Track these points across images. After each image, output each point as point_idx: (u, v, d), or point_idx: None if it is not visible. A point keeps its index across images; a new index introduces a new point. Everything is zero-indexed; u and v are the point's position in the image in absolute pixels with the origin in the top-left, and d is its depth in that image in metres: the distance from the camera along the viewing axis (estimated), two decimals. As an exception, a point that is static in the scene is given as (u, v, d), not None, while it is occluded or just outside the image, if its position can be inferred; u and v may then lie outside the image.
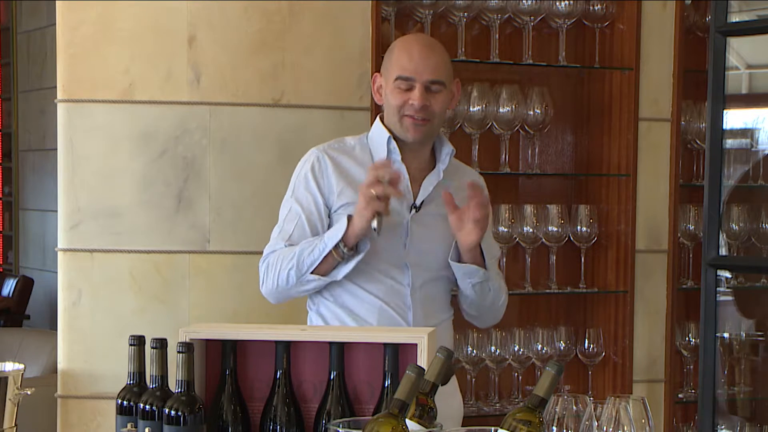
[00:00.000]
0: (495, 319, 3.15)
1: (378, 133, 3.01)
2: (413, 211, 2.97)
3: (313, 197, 2.96)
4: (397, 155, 2.97)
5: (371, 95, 3.73)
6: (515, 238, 4.04)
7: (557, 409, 2.09)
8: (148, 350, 2.24)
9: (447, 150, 3.04)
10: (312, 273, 2.86)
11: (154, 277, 3.67)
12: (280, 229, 2.98)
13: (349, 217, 2.82)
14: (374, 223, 2.75)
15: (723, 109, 3.76)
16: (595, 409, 2.04)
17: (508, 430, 1.87)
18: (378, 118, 3.04)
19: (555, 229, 4.08)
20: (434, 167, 3.03)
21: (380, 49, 3.75)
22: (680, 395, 4.32)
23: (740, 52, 4.34)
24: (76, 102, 3.67)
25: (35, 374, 5.44)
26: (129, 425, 2.25)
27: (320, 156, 3.00)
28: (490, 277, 2.99)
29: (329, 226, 2.92)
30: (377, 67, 3.74)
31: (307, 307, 3.05)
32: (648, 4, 4.17)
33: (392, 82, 2.93)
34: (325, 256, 2.83)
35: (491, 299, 3.03)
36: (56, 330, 3.77)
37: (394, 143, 2.97)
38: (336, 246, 2.81)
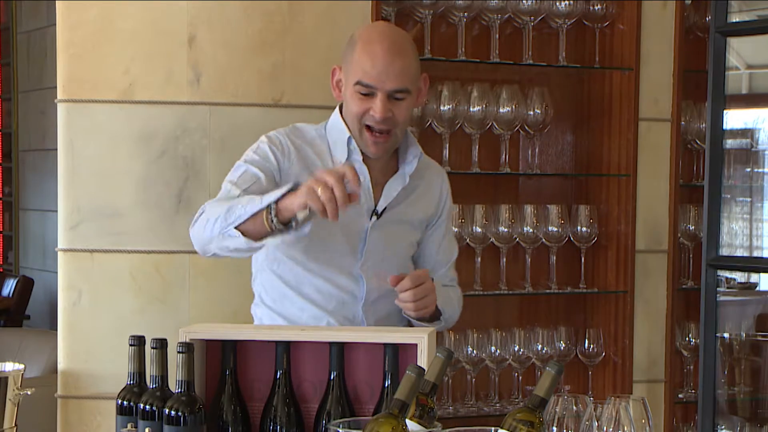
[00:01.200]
0: (446, 328, 2.99)
1: (337, 128, 2.80)
2: (374, 218, 2.78)
3: (271, 168, 2.72)
4: (358, 155, 2.77)
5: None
6: (515, 238, 4.04)
7: (557, 410, 2.09)
8: (148, 350, 2.24)
9: (414, 152, 2.83)
10: (237, 228, 2.50)
11: (154, 278, 3.67)
12: (231, 182, 2.70)
13: (296, 187, 2.47)
14: (300, 214, 2.41)
15: (723, 109, 3.77)
16: (595, 410, 2.04)
17: (508, 430, 1.87)
18: (337, 109, 2.83)
19: (555, 229, 4.08)
20: (397, 169, 2.83)
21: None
22: (680, 395, 4.32)
23: (740, 52, 4.34)
24: (76, 102, 3.67)
25: (35, 374, 5.44)
26: (129, 425, 2.25)
27: (282, 139, 2.79)
28: (444, 314, 2.83)
29: None
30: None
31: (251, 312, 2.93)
32: (648, 4, 4.17)
33: (352, 84, 2.71)
34: (255, 215, 2.48)
35: (443, 325, 2.88)
36: (56, 330, 3.77)
37: (354, 144, 2.77)
38: (268, 208, 2.46)
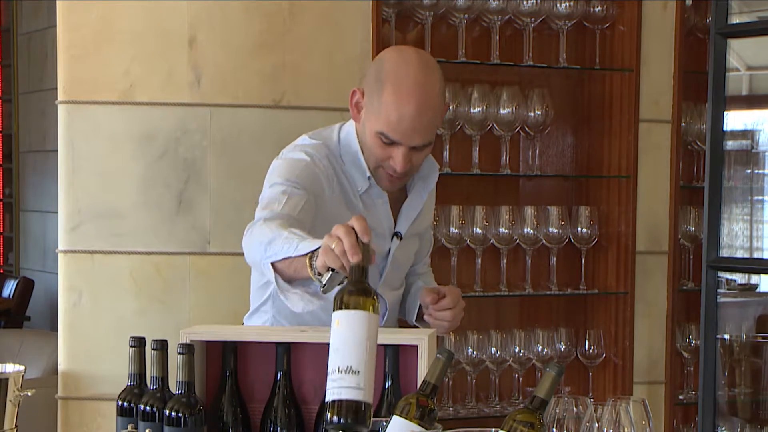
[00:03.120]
0: None
1: (356, 163, 2.67)
2: (395, 240, 2.74)
3: (315, 194, 2.58)
4: (377, 186, 2.69)
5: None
6: (516, 240, 4.04)
7: (558, 411, 2.08)
8: (149, 352, 2.24)
9: (431, 166, 2.76)
10: (273, 264, 2.35)
11: (155, 279, 3.67)
12: (287, 195, 2.54)
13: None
14: (324, 278, 2.20)
15: (723, 111, 3.77)
16: (595, 411, 2.04)
17: (508, 431, 1.87)
18: (353, 132, 2.69)
19: (555, 230, 4.08)
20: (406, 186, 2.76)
21: (380, 50, 3.75)
22: (681, 397, 4.32)
23: (740, 53, 4.34)
24: (77, 103, 3.67)
25: (36, 375, 5.44)
26: (129, 426, 2.25)
27: (325, 163, 2.65)
28: None
29: None
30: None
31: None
32: (648, 6, 4.17)
33: (374, 131, 2.57)
34: (291, 261, 2.32)
35: None
36: (57, 331, 3.77)
37: (374, 181, 2.67)
38: (311, 262, 2.24)
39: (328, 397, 1.87)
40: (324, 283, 2.20)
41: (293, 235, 2.32)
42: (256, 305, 2.84)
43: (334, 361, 1.90)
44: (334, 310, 1.91)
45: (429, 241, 3.00)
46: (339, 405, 1.86)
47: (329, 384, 1.89)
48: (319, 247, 2.19)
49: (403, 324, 2.94)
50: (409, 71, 2.57)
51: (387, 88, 2.55)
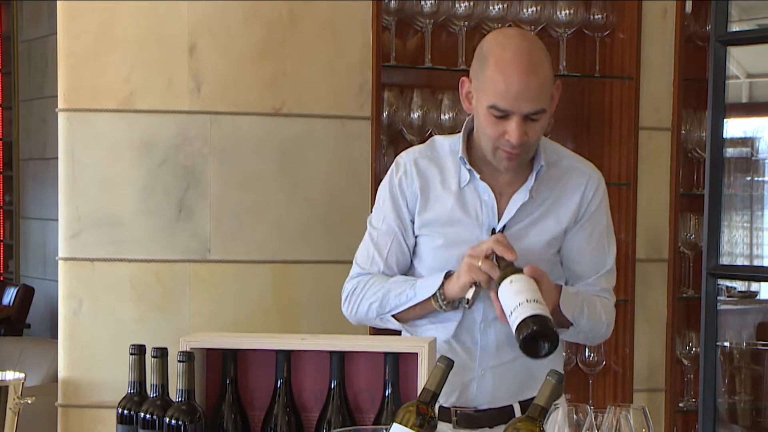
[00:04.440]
0: (594, 341, 2.83)
1: (456, 148, 2.70)
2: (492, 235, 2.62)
3: (402, 213, 2.70)
4: (475, 175, 2.65)
5: (372, 104, 3.75)
6: (516, 247, 4.03)
7: (558, 419, 2.08)
8: (149, 359, 2.24)
9: (537, 164, 2.67)
10: (393, 316, 2.67)
11: (155, 286, 3.67)
12: (374, 244, 2.73)
13: (448, 274, 2.58)
14: (469, 293, 2.53)
15: (723, 118, 3.77)
16: (595, 419, 2.04)
17: (508, 439, 1.87)
18: (465, 126, 2.71)
19: (555, 237, 4.07)
20: (529, 173, 2.68)
21: (380, 58, 3.76)
22: (681, 404, 4.31)
23: (740, 60, 4.35)
24: (77, 111, 3.67)
25: (36, 383, 5.44)
26: (129, 434, 2.25)
27: (409, 168, 2.71)
28: (577, 325, 2.67)
29: (414, 246, 2.72)
30: (378, 76, 3.75)
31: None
32: (648, 13, 4.17)
33: (485, 107, 2.55)
34: (412, 306, 2.64)
35: (584, 336, 2.74)
36: (57, 339, 3.76)
37: (469, 166, 2.65)
38: (435, 297, 2.60)
39: (521, 317, 2.36)
40: (470, 298, 2.55)
41: (399, 285, 2.67)
42: None
43: (519, 297, 2.39)
44: (498, 284, 2.46)
45: (585, 250, 2.76)
46: (533, 318, 2.35)
47: (519, 311, 2.37)
48: (438, 288, 2.60)
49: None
50: (510, 41, 2.59)
51: (490, 62, 2.55)
